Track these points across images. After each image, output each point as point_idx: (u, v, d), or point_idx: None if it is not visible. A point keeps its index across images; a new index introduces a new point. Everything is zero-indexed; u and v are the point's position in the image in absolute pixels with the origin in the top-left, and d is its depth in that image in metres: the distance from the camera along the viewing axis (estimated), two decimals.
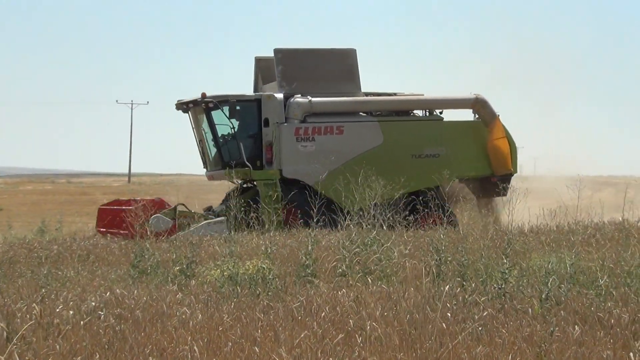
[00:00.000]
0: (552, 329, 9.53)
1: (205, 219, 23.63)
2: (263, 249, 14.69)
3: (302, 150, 25.52)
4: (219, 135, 25.80)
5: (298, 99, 25.68)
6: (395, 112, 26.93)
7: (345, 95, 26.36)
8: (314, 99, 25.71)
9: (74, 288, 13.02)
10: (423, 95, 27.56)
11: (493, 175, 27.12)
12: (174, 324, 10.11)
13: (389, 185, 24.33)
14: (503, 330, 9.68)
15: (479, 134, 27.26)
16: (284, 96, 25.68)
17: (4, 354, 8.40)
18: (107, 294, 12.06)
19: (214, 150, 26.50)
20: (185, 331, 9.70)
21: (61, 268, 15.91)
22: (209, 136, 26.30)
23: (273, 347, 9.10)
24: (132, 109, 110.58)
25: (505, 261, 12.30)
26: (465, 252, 13.19)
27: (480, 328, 9.72)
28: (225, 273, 13.41)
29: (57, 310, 10.59)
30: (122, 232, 23.37)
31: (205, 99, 25.42)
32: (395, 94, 27.43)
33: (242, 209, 22.80)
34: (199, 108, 26.08)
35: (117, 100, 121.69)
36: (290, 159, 25.43)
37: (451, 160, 26.33)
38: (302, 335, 9.37)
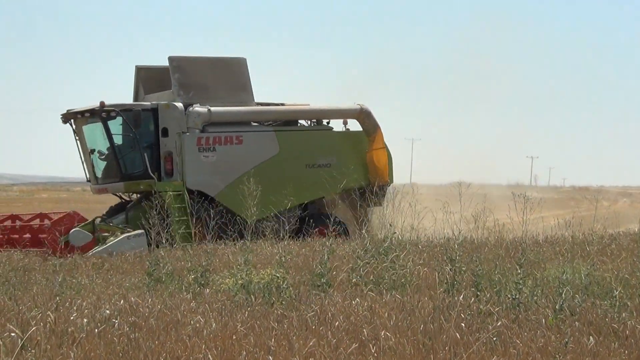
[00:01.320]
0: (566, 339, 9.51)
1: (122, 233, 22.47)
2: (277, 257, 14.69)
3: (204, 160, 24.68)
4: (115, 145, 24.73)
5: (197, 108, 24.78)
6: (285, 122, 26.61)
7: (240, 104, 25.79)
8: (213, 108, 24.95)
9: (89, 296, 13.05)
10: (309, 105, 27.30)
11: (370, 185, 26.86)
12: (188, 332, 10.12)
13: (286, 196, 24.56)
14: (517, 341, 9.66)
15: (362, 144, 27.21)
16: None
17: None
18: (122, 302, 12.09)
19: (102, 163, 25.34)
20: (199, 340, 9.71)
21: (76, 276, 15.97)
22: (101, 147, 25.12)
23: (287, 356, 9.11)
24: None
25: (519, 271, 12.27)
26: (479, 262, 13.17)
27: (494, 338, 9.70)
28: (239, 282, 13.42)
29: (72, 318, 10.62)
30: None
31: (105, 108, 24.28)
32: (283, 104, 27.04)
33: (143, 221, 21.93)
34: (84, 118, 25.07)
35: None
36: (193, 170, 24.49)
37: (341, 170, 26.14)
38: (316, 345, 9.37)
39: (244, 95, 25.82)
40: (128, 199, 25.90)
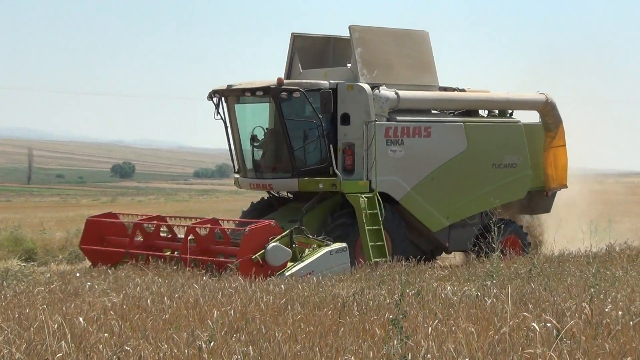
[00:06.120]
0: None
1: (319, 246, 18.03)
2: None
3: (391, 156, 20.28)
4: (289, 133, 20.20)
5: (385, 91, 20.36)
6: (464, 113, 22.03)
7: (425, 88, 21.39)
8: (401, 93, 20.55)
9: (623, 288, 12.95)
10: (489, 92, 22.78)
11: (546, 188, 23.00)
12: None
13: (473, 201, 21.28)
14: None
15: (542, 139, 22.98)
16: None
17: (553, 350, 8.57)
18: None
19: (257, 152, 20.98)
20: None
21: (609, 268, 15.91)
22: (258, 132, 20.93)
23: None
24: None
25: None
26: None
27: None
28: None
29: (606, 310, 10.61)
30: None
31: (285, 86, 19.83)
32: (464, 90, 22.50)
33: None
34: (236, 97, 20.73)
35: None
36: (381, 168, 20.05)
37: (525, 171, 22.28)
38: None
39: (427, 77, 21.73)
40: (275, 195, 21.72)
